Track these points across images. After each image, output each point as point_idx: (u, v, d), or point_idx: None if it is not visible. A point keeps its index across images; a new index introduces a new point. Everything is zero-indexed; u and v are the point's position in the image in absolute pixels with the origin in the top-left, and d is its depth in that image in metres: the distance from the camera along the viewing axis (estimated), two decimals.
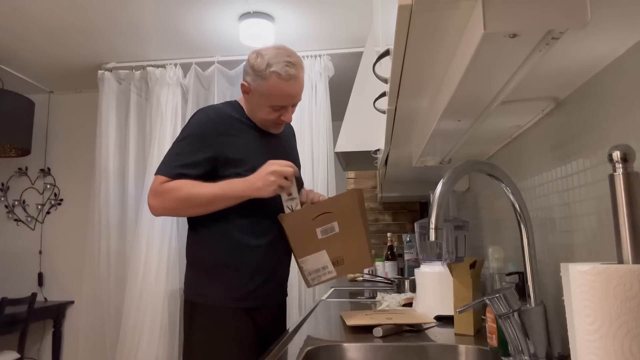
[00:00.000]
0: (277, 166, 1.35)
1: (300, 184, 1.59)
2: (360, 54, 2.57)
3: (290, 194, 1.41)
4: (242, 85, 1.47)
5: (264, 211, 1.44)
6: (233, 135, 1.45)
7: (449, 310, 1.29)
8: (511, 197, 0.89)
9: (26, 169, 3.96)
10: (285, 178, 1.36)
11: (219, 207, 1.38)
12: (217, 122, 1.43)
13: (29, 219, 3.91)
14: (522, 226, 0.88)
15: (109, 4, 2.62)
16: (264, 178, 1.34)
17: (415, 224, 1.80)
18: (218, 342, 1.40)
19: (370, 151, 2.07)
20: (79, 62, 3.38)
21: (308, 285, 1.47)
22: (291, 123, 1.66)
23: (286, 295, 1.63)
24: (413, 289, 1.93)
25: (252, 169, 1.39)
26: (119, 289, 3.13)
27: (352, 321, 1.27)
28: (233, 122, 1.47)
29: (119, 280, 3.15)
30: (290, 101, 1.45)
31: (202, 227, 1.45)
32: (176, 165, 1.38)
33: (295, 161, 1.64)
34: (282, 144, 1.60)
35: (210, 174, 1.39)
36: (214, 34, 2.95)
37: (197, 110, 1.50)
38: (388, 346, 1.10)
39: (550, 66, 0.80)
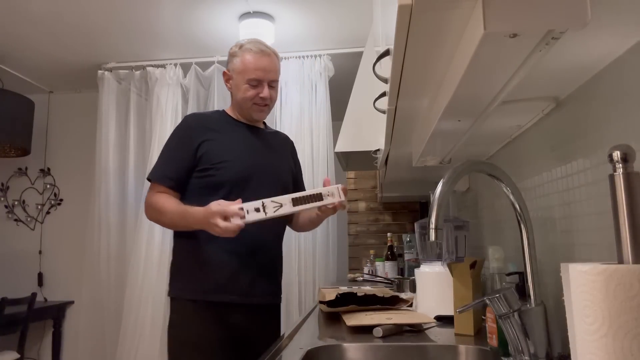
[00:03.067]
0: (217, 209, 1.32)
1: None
2: (360, 54, 2.57)
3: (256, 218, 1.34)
4: (224, 74, 1.60)
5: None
6: (216, 132, 1.54)
7: (449, 310, 1.29)
8: (511, 197, 0.89)
9: (26, 169, 3.96)
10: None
11: (180, 230, 1.50)
12: (195, 125, 1.54)
13: (28, 219, 3.91)
14: (522, 226, 0.88)
15: (109, 4, 2.62)
16: (206, 219, 1.34)
17: (415, 224, 1.80)
18: (181, 335, 1.47)
19: (370, 151, 2.07)
20: (78, 62, 3.38)
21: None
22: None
23: (275, 298, 1.59)
24: (413, 289, 1.93)
25: (230, 165, 1.49)
26: (119, 289, 3.13)
27: (352, 321, 1.27)
28: (214, 122, 1.57)
29: (119, 280, 3.14)
30: (264, 75, 1.52)
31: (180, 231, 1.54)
32: (158, 169, 1.52)
33: (283, 167, 1.66)
34: (272, 145, 1.65)
35: (194, 171, 1.51)
36: (214, 34, 2.95)
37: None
38: (388, 346, 1.10)
39: (550, 66, 0.80)
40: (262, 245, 1.53)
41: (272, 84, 1.56)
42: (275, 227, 1.60)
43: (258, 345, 1.47)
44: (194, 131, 1.53)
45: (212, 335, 1.44)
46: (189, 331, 1.46)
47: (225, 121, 1.60)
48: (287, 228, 1.73)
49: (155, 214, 1.49)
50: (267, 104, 1.57)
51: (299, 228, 1.77)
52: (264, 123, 1.72)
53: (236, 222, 1.30)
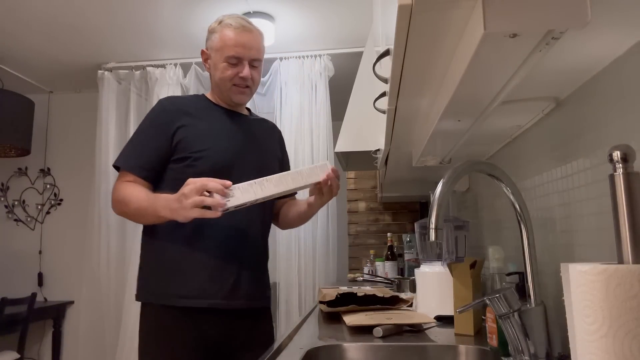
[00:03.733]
0: (193, 184, 1.15)
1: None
2: (360, 54, 2.57)
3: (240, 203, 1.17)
4: (202, 53, 1.45)
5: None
6: (193, 117, 1.38)
7: (449, 310, 1.29)
8: (511, 197, 0.89)
9: (26, 169, 3.96)
10: (209, 193, 1.14)
11: (149, 222, 1.32)
12: (170, 109, 1.38)
13: (28, 219, 3.91)
14: (522, 226, 0.88)
15: (109, 4, 2.62)
16: (178, 199, 1.16)
17: (415, 224, 1.80)
18: (148, 343, 1.34)
19: (370, 151, 2.07)
20: (78, 62, 3.38)
21: None
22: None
23: (261, 301, 1.42)
24: (413, 289, 1.93)
25: (208, 154, 1.33)
26: (118, 289, 3.13)
27: (352, 321, 1.27)
28: (192, 106, 1.41)
29: (119, 280, 3.14)
30: (244, 52, 1.36)
31: (148, 226, 1.38)
32: (129, 156, 1.35)
33: (268, 157, 1.49)
34: (256, 133, 1.47)
35: (169, 160, 1.35)
36: None
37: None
38: (388, 346, 1.10)
39: (550, 66, 0.80)
40: (245, 241, 1.37)
41: (254, 64, 1.39)
42: (259, 222, 1.43)
43: (244, 355, 1.34)
44: (170, 115, 1.36)
45: (187, 346, 1.28)
46: (163, 341, 1.31)
47: (204, 105, 1.44)
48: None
49: (120, 206, 1.30)
50: (248, 86, 1.40)
51: (286, 224, 1.57)
52: (248, 109, 1.55)
53: (218, 199, 1.12)
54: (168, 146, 1.34)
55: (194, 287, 1.30)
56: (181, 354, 1.28)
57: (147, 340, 1.35)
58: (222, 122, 1.43)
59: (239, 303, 1.34)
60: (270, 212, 1.51)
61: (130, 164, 1.34)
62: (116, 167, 1.36)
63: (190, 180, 1.16)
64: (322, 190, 1.31)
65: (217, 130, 1.40)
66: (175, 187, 1.22)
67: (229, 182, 1.15)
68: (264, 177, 1.19)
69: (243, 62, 1.37)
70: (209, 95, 1.48)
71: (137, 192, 1.28)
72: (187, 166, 1.32)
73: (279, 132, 1.62)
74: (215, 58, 1.40)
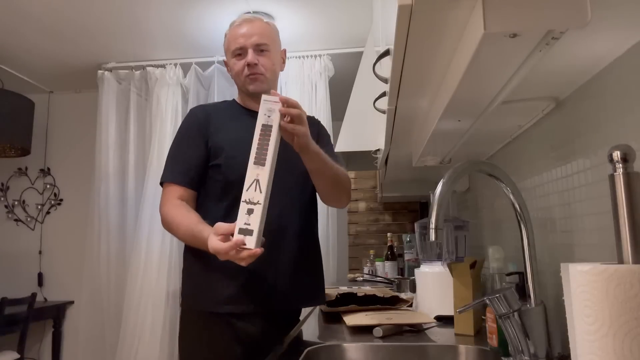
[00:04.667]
0: (216, 254, 1.07)
1: None
2: (360, 54, 2.57)
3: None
4: (225, 64, 1.47)
5: None
6: (222, 123, 1.39)
7: (449, 310, 1.29)
8: (511, 197, 0.89)
9: (26, 169, 3.96)
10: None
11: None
12: (203, 117, 1.39)
13: (28, 219, 3.91)
14: (522, 226, 0.88)
15: (109, 4, 2.62)
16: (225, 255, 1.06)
17: (415, 224, 1.80)
18: (192, 351, 1.31)
19: (370, 151, 2.07)
20: (78, 62, 3.38)
21: None
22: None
23: (293, 305, 1.39)
24: (413, 289, 1.93)
25: (231, 157, 1.31)
26: (119, 289, 3.13)
27: (352, 321, 1.27)
28: (222, 112, 1.42)
29: (119, 281, 3.14)
30: (245, 41, 1.36)
31: None
32: (169, 169, 1.36)
33: (295, 154, 1.31)
34: None
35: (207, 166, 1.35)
36: (214, 34, 2.95)
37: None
38: (388, 346, 1.10)
39: (550, 66, 0.80)
40: (278, 246, 1.30)
41: (261, 48, 1.37)
42: (296, 218, 1.36)
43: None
44: (202, 123, 1.38)
45: (224, 352, 1.27)
46: (199, 348, 1.30)
47: (234, 111, 1.44)
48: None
49: (169, 227, 1.31)
50: (258, 72, 1.36)
51: (326, 197, 1.41)
52: None
53: (240, 257, 1.03)
54: (205, 153, 1.35)
55: (230, 293, 1.27)
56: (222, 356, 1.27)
57: (188, 345, 1.33)
58: (249, 124, 1.30)
59: (272, 307, 1.30)
60: (307, 199, 1.42)
61: (172, 174, 1.35)
62: (161, 183, 1.37)
63: (212, 249, 1.06)
64: (288, 134, 1.13)
65: (243, 134, 1.29)
66: (213, 194, 1.33)
67: (232, 242, 1.03)
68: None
69: (246, 49, 1.36)
70: (237, 99, 1.49)
71: (186, 220, 1.24)
72: (217, 174, 1.33)
73: (317, 127, 1.50)
74: (228, 60, 1.43)
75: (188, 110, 1.46)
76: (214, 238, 1.06)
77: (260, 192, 1.02)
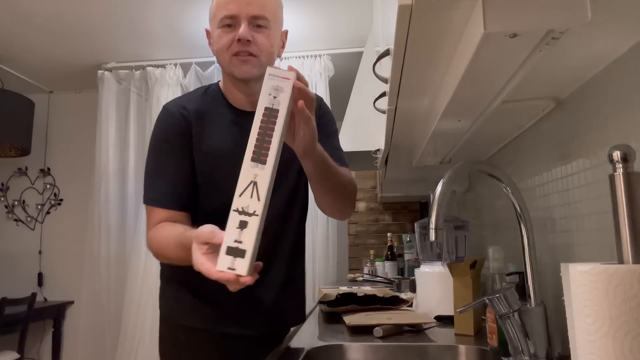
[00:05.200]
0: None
1: None
2: (360, 54, 2.57)
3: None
4: (206, 34, 1.17)
5: None
6: (203, 127, 1.11)
7: (449, 310, 1.29)
8: (511, 197, 0.89)
9: (26, 169, 3.96)
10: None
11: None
12: (179, 118, 1.10)
13: (28, 219, 3.91)
14: (522, 226, 0.88)
15: (109, 4, 2.62)
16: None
17: (415, 224, 1.80)
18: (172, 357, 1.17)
19: (370, 151, 2.07)
20: (78, 62, 3.38)
21: None
22: None
23: (275, 328, 1.21)
24: (413, 289, 1.93)
25: (215, 186, 1.07)
26: (119, 289, 3.14)
27: (352, 321, 1.27)
28: (203, 110, 1.12)
29: (119, 281, 3.15)
30: (239, 8, 1.03)
31: None
32: (153, 189, 1.10)
33: (290, 172, 1.17)
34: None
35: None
36: None
37: (161, 110, 1.15)
38: (388, 346, 1.10)
39: (550, 66, 0.80)
40: (274, 258, 1.14)
41: (258, 22, 1.05)
42: (289, 217, 1.18)
43: None
44: (183, 125, 1.10)
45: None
46: (179, 356, 1.17)
47: (217, 106, 1.14)
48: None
49: (159, 254, 1.07)
50: (249, 52, 1.04)
51: (322, 205, 1.14)
52: None
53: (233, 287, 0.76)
54: (191, 162, 1.09)
55: (208, 312, 1.13)
56: None
57: (171, 353, 1.20)
58: (234, 131, 1.10)
59: (255, 330, 1.16)
60: (300, 209, 1.23)
61: (153, 195, 1.09)
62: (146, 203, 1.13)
63: (196, 267, 0.79)
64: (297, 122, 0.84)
65: (226, 146, 1.08)
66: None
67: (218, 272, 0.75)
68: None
69: (239, 20, 1.04)
70: (221, 87, 1.17)
71: (171, 234, 1.00)
72: (199, 202, 1.10)
73: (318, 105, 1.22)
74: (212, 28, 1.10)
75: (161, 109, 1.15)
76: (197, 251, 0.78)
77: (258, 199, 0.75)
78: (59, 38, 3.00)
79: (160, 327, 1.22)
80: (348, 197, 1.16)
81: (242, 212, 0.74)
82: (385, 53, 0.86)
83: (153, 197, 1.09)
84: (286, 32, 1.18)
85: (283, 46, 1.18)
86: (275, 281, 1.16)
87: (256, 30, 1.05)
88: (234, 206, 0.75)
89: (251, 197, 0.75)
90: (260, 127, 0.78)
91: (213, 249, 0.76)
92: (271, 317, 1.17)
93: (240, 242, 0.74)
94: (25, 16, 2.73)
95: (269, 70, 0.81)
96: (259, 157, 0.77)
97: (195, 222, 1.04)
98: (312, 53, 3.12)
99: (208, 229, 0.77)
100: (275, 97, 0.80)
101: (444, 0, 0.59)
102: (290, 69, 0.82)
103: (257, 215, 0.74)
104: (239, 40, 1.03)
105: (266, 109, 0.79)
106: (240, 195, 0.75)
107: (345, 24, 2.87)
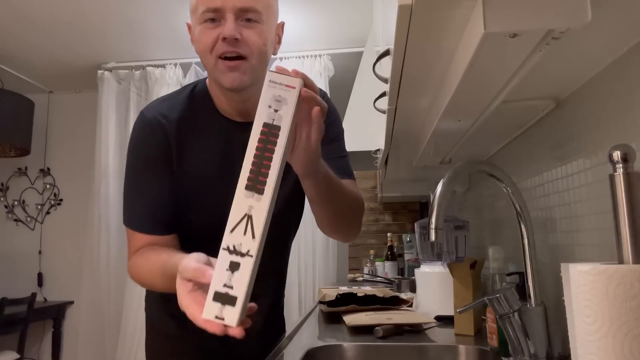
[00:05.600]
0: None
1: None
2: (360, 54, 2.57)
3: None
4: (188, 28, 0.98)
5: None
6: (185, 141, 0.97)
7: (449, 311, 1.29)
8: (511, 197, 0.89)
9: (26, 169, 3.96)
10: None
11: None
12: (159, 132, 0.96)
13: (28, 219, 3.91)
14: (522, 226, 0.88)
15: (109, 4, 2.62)
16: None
17: (416, 224, 1.80)
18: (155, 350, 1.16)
19: (370, 151, 2.07)
20: (78, 62, 3.38)
21: None
22: None
23: (266, 352, 1.08)
24: (413, 289, 1.93)
25: (193, 215, 0.97)
26: (118, 289, 3.14)
27: (352, 321, 1.27)
28: (187, 119, 0.97)
29: (119, 281, 3.15)
30: (223, 1, 0.86)
31: None
32: (134, 212, 0.98)
33: (285, 195, 1.01)
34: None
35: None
36: None
37: (137, 118, 1.00)
38: (388, 346, 1.10)
39: (550, 66, 0.80)
40: (260, 296, 0.94)
41: (247, 16, 0.87)
42: (279, 251, 1.11)
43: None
44: (163, 140, 0.95)
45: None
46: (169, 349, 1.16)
47: (204, 114, 0.98)
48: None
49: (144, 282, 1.01)
50: (238, 52, 0.87)
51: (324, 227, 1.00)
52: None
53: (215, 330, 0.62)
54: (173, 180, 0.97)
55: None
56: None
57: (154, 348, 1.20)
58: (223, 146, 0.96)
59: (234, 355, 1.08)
60: (289, 242, 1.15)
61: (134, 219, 0.97)
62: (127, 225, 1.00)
63: (182, 307, 0.67)
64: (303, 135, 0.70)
65: (215, 165, 0.97)
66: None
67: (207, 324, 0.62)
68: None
69: (224, 14, 0.86)
70: (209, 89, 1.00)
71: (155, 279, 0.91)
72: (181, 222, 0.99)
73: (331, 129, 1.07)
74: (194, 25, 0.92)
75: (138, 114, 0.99)
76: (182, 288, 0.66)
77: (253, 236, 0.62)
78: (59, 38, 3.00)
79: (146, 329, 1.21)
80: (354, 219, 1.03)
81: (234, 252, 0.62)
82: (385, 53, 0.86)
83: (134, 221, 0.97)
84: (282, 25, 0.99)
85: (279, 41, 0.98)
86: (263, 307, 1.02)
87: (245, 25, 0.87)
88: (224, 244, 0.62)
89: (244, 233, 0.62)
90: (257, 149, 0.64)
91: (200, 284, 0.65)
92: (258, 344, 1.10)
93: (230, 287, 0.61)
94: (25, 16, 2.73)
95: (269, 75, 0.65)
96: (255, 186, 0.63)
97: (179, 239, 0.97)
98: (312, 53, 3.12)
99: (193, 265, 0.65)
100: (276, 111, 0.64)
101: (444, 0, 0.59)
102: (296, 73, 0.66)
103: (251, 256, 0.61)
104: (224, 39, 0.86)
105: (265, 125, 0.64)
106: (231, 231, 0.62)
107: (345, 24, 2.87)
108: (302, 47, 3.13)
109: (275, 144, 0.64)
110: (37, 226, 3.90)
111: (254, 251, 0.61)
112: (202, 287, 0.65)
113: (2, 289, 3.63)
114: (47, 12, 2.69)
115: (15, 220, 3.91)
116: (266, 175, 0.63)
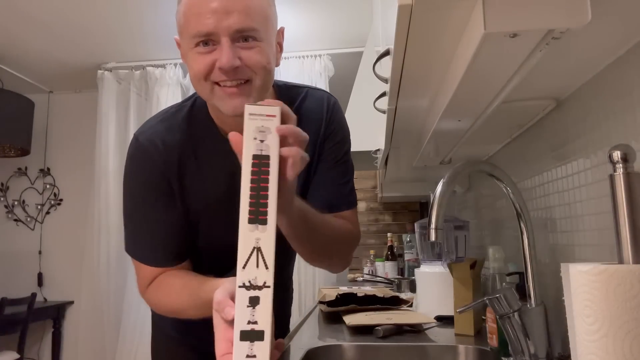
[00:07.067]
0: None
1: None
2: (360, 54, 2.57)
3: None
4: (177, 45, 0.93)
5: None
6: (188, 170, 0.91)
7: (449, 311, 1.29)
8: (511, 197, 0.89)
9: (26, 169, 3.96)
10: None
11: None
12: (159, 161, 0.89)
13: (28, 219, 3.91)
14: (522, 226, 0.88)
15: (109, 4, 2.62)
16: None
17: (416, 224, 1.80)
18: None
19: (370, 151, 2.07)
20: (78, 62, 3.38)
21: None
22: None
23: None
24: (413, 289, 1.93)
25: (200, 220, 0.93)
26: (118, 289, 3.14)
27: (352, 321, 1.26)
28: (186, 145, 0.91)
29: (119, 281, 3.15)
30: (216, 22, 0.76)
31: None
32: (141, 246, 0.93)
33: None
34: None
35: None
36: None
37: (131, 142, 0.93)
38: (388, 346, 1.10)
39: (550, 66, 0.80)
40: None
41: (246, 34, 0.78)
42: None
43: None
44: (163, 170, 0.89)
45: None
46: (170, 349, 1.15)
47: (203, 134, 0.92)
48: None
49: (169, 311, 0.93)
50: (239, 81, 0.79)
51: (304, 256, 0.92)
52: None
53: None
54: (180, 211, 0.91)
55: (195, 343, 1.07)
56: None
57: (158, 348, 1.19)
58: (228, 169, 0.89)
59: None
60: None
61: (141, 253, 0.92)
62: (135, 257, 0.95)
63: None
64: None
65: (221, 190, 0.91)
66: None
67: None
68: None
69: (219, 38, 0.78)
70: (210, 109, 0.92)
71: (190, 311, 0.85)
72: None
73: (324, 126, 0.99)
74: (184, 45, 0.85)
75: (132, 138, 0.92)
76: (217, 321, 0.66)
77: (266, 267, 0.63)
78: (59, 38, 3.00)
79: (152, 328, 1.20)
80: (339, 255, 0.96)
81: (250, 287, 0.62)
82: (385, 53, 0.86)
83: (140, 255, 0.91)
84: (282, 31, 0.91)
85: (281, 50, 0.91)
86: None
87: (244, 46, 0.79)
88: (239, 281, 0.62)
89: (257, 266, 0.63)
90: (252, 181, 0.64)
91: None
92: None
93: (254, 322, 0.62)
94: (25, 16, 2.73)
95: (248, 109, 0.65)
96: (257, 218, 0.64)
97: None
98: (312, 53, 3.12)
99: (216, 298, 0.65)
100: (262, 141, 0.65)
101: (444, 0, 0.59)
102: (271, 102, 0.65)
103: (268, 287, 0.62)
104: (220, 69, 0.78)
105: (255, 157, 0.64)
106: (243, 267, 0.62)
107: (345, 24, 2.87)
108: (302, 47, 3.13)
109: (268, 173, 0.64)
110: (37, 226, 3.90)
111: (270, 281, 0.62)
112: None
113: (2, 289, 3.63)
114: (47, 12, 2.69)
115: (15, 220, 3.91)
116: (266, 205, 0.63)
